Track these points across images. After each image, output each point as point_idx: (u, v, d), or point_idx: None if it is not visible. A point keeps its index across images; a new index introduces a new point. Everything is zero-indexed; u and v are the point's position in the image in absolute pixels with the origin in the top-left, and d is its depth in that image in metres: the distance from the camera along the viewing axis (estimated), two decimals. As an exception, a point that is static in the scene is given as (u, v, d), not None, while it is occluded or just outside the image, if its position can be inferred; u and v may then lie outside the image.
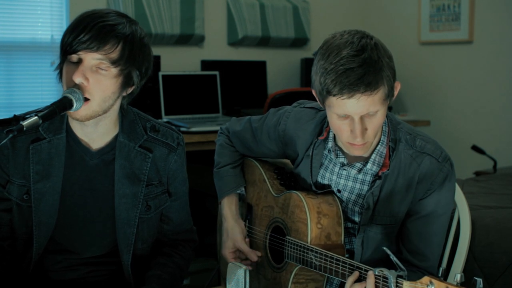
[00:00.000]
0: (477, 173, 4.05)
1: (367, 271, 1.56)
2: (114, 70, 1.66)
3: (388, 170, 1.73)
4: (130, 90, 1.75)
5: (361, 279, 1.59)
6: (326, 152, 1.84)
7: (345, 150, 1.78)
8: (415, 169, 1.74)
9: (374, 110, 1.61)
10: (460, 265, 1.96)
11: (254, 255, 1.92)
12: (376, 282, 1.54)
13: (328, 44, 1.63)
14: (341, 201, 1.82)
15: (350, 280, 1.60)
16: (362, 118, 1.62)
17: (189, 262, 1.95)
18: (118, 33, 1.65)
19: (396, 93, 1.69)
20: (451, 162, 1.76)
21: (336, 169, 1.82)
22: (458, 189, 1.98)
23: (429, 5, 4.74)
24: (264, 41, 4.64)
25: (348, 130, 1.64)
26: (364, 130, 1.63)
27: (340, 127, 1.66)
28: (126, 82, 1.70)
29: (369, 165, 1.76)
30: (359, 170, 1.78)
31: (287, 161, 2.05)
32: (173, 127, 1.93)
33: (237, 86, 4.39)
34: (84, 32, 1.62)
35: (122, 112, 1.80)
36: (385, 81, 1.60)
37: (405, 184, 1.74)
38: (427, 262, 1.78)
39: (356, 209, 1.82)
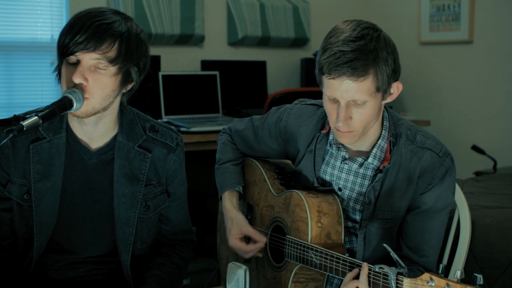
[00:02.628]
0: (477, 173, 4.05)
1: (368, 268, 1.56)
2: (112, 69, 1.66)
3: (389, 164, 1.74)
4: (129, 86, 1.75)
5: None
6: (327, 146, 1.85)
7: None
8: (416, 163, 1.74)
9: (360, 99, 1.62)
10: (460, 265, 1.96)
11: (262, 237, 1.90)
12: (376, 279, 1.54)
13: (335, 27, 1.68)
14: (342, 199, 1.83)
15: (349, 276, 1.61)
16: (348, 105, 1.64)
17: (188, 262, 1.95)
18: (114, 31, 1.65)
19: (396, 93, 1.70)
20: (452, 157, 1.77)
21: (338, 163, 1.83)
22: (458, 189, 1.98)
23: (429, 5, 4.74)
24: (264, 41, 4.64)
25: (335, 114, 1.67)
26: (348, 117, 1.65)
27: (330, 111, 1.69)
28: (125, 79, 1.71)
29: (370, 159, 1.77)
30: (360, 165, 1.79)
31: (288, 161, 2.05)
32: (173, 127, 1.93)
33: (237, 86, 4.39)
34: (80, 33, 1.62)
35: (122, 110, 1.80)
36: (377, 73, 1.61)
37: (406, 178, 1.75)
38: (427, 258, 1.78)
39: (357, 207, 1.82)
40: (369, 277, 1.56)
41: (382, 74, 1.62)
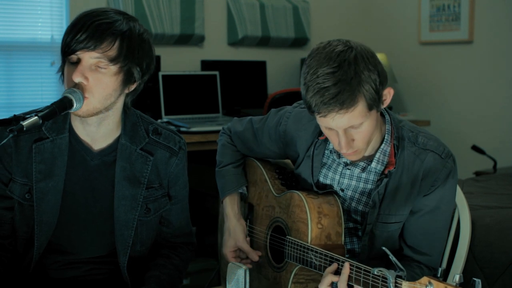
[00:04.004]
0: (477, 173, 4.05)
1: (366, 270, 1.56)
2: (113, 68, 1.66)
3: (395, 168, 1.74)
4: (132, 87, 1.74)
5: (359, 278, 1.59)
6: (328, 152, 1.85)
7: None
8: (419, 165, 1.74)
9: (356, 123, 1.62)
10: (460, 265, 1.96)
11: (255, 255, 1.92)
12: (375, 282, 1.54)
13: (311, 57, 1.63)
14: (344, 200, 1.82)
15: (327, 270, 1.63)
16: (346, 130, 1.63)
17: (188, 264, 1.95)
18: (115, 30, 1.64)
19: (388, 98, 1.68)
20: (454, 158, 1.78)
21: (340, 168, 1.83)
22: (458, 189, 1.98)
23: (429, 5, 4.74)
24: (264, 41, 4.64)
25: (337, 140, 1.66)
26: (350, 141, 1.65)
27: (329, 136, 1.69)
28: (127, 79, 1.70)
29: (373, 164, 1.77)
30: (363, 169, 1.78)
31: (289, 161, 2.05)
32: (174, 128, 1.93)
33: (237, 86, 4.39)
34: (81, 32, 1.62)
35: (126, 111, 1.80)
36: (364, 96, 1.59)
37: (409, 181, 1.75)
38: (429, 257, 1.79)
39: (360, 207, 1.82)
40: (367, 279, 1.56)
41: (370, 94, 1.60)
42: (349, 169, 1.80)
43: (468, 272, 2.42)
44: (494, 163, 4.08)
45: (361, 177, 1.80)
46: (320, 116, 1.61)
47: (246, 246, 1.93)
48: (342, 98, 1.56)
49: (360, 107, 1.59)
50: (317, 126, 1.86)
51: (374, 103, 1.62)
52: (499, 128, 4.44)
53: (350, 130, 1.63)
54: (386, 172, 1.75)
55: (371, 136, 1.69)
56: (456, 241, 2.00)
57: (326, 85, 1.56)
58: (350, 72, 1.57)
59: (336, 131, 1.64)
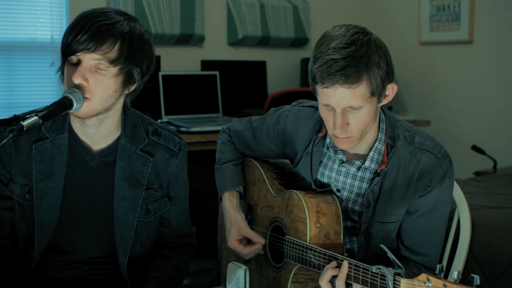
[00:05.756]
0: (477, 173, 4.05)
1: (365, 269, 1.56)
2: (113, 70, 1.65)
3: (386, 167, 1.74)
4: (132, 87, 1.74)
5: (358, 276, 1.59)
6: (325, 149, 1.85)
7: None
8: (415, 165, 1.74)
9: (356, 105, 1.62)
10: (460, 265, 1.96)
11: (261, 238, 1.91)
12: (373, 280, 1.54)
13: (324, 34, 1.67)
14: (340, 200, 1.82)
15: (326, 267, 1.63)
16: (344, 112, 1.63)
17: (188, 264, 1.95)
18: (115, 32, 1.64)
19: (391, 94, 1.69)
20: (450, 159, 1.77)
21: (335, 166, 1.83)
22: (458, 189, 1.98)
23: (429, 5, 4.74)
24: (264, 41, 4.64)
25: (332, 121, 1.66)
26: (345, 124, 1.64)
27: (326, 117, 1.69)
28: (127, 80, 1.70)
29: (367, 163, 1.77)
30: (358, 168, 1.78)
31: (287, 161, 2.05)
32: (174, 128, 1.93)
33: (237, 86, 4.39)
34: (81, 33, 1.62)
35: (126, 111, 1.80)
36: (371, 78, 1.60)
37: (405, 181, 1.75)
38: (427, 257, 1.79)
39: (356, 208, 1.82)
40: (366, 277, 1.56)
41: (375, 79, 1.61)
42: (344, 166, 1.80)
43: (468, 273, 2.42)
44: (494, 163, 4.08)
45: (356, 176, 1.80)
46: (322, 88, 1.61)
47: (249, 231, 1.92)
48: (348, 72, 1.57)
49: (363, 87, 1.60)
50: (316, 124, 1.86)
51: (377, 89, 1.63)
52: (499, 128, 4.44)
53: (348, 112, 1.63)
54: (378, 171, 1.75)
55: (367, 127, 1.69)
56: (456, 241, 2.00)
57: (335, 57, 1.58)
58: (362, 51, 1.59)
59: (334, 111, 1.64)
